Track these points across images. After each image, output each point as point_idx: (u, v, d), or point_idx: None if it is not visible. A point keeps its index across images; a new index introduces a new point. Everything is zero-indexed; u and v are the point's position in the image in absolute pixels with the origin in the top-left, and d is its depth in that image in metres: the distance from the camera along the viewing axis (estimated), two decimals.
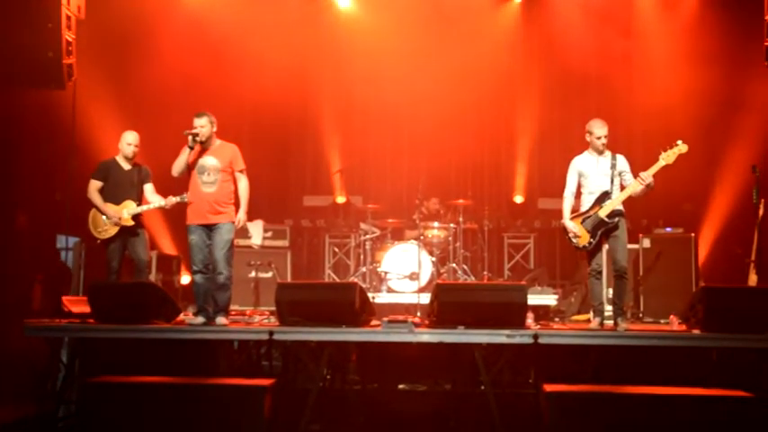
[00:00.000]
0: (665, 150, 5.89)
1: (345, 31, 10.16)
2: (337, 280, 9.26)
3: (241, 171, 6.24)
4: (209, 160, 6.13)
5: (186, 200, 6.20)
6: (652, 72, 9.53)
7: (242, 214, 6.19)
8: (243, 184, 6.23)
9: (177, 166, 6.11)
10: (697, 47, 9.11)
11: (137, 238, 6.64)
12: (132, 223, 6.60)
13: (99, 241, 6.61)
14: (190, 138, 6.05)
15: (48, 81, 7.03)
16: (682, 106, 8.99)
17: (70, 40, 7.18)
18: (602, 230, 6.01)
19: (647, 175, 5.85)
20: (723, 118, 8.91)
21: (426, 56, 9.72)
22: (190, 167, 6.12)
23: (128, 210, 6.60)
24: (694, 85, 9.00)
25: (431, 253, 8.52)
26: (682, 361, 5.71)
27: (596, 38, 9.55)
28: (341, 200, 10.05)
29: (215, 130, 6.20)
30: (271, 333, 5.63)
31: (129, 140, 6.67)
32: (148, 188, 6.74)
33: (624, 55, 9.68)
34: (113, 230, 6.57)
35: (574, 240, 6.12)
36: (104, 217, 6.58)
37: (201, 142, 6.09)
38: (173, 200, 6.40)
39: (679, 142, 5.90)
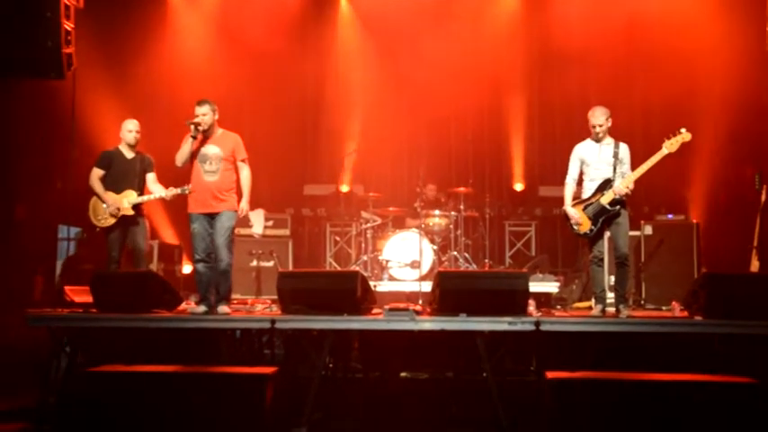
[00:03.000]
0: (669, 138, 5.84)
1: (345, 20, 10.10)
2: (338, 268, 9.22)
3: (243, 160, 6.21)
4: (211, 149, 6.10)
5: (187, 192, 6.17)
6: (653, 58, 9.44)
7: (244, 203, 6.17)
8: (245, 174, 6.21)
9: (180, 157, 6.08)
10: (700, 30, 9.01)
11: (137, 228, 6.62)
12: (132, 213, 6.56)
13: (98, 229, 6.59)
14: (192, 127, 6.01)
15: (47, 71, 6.95)
16: (683, 90, 8.89)
17: (69, 29, 7.12)
18: (604, 218, 5.98)
19: (623, 186, 5.85)
20: (726, 103, 8.78)
21: (426, 42, 9.64)
22: (192, 156, 6.09)
23: (128, 199, 6.57)
24: (696, 68, 8.93)
25: (432, 241, 8.49)
26: (684, 348, 5.67)
27: (598, 23, 9.45)
28: (345, 189, 10.00)
29: (217, 117, 6.16)
30: (272, 322, 5.62)
31: (130, 127, 6.65)
32: (150, 177, 6.72)
33: (626, 41, 9.58)
34: (113, 219, 6.55)
35: (575, 227, 6.10)
36: (104, 205, 6.56)
37: (204, 131, 6.04)
38: (174, 191, 6.36)
39: (683, 130, 5.85)
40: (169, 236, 9.09)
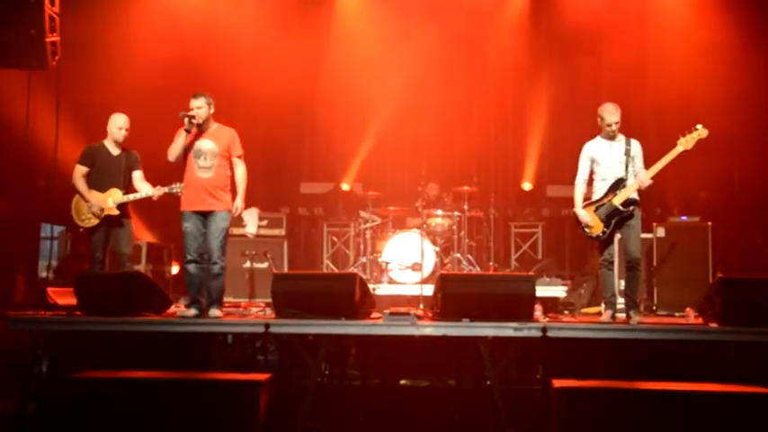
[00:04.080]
0: (684, 135, 5.74)
1: (345, 13, 9.95)
2: (336, 271, 9.11)
3: (239, 157, 6.10)
4: (206, 144, 5.98)
5: (175, 191, 6.06)
6: (667, 53, 9.33)
7: (239, 201, 6.05)
8: (240, 170, 6.09)
9: (173, 151, 5.94)
10: (717, 25, 8.88)
11: (121, 229, 6.44)
12: (117, 212, 6.39)
13: (82, 230, 6.43)
14: (186, 120, 5.87)
15: (30, 60, 6.76)
16: (699, 86, 8.75)
17: (54, 15, 6.91)
18: (616, 219, 5.86)
19: (647, 178, 5.73)
20: (744, 100, 8.66)
21: (430, 35, 9.54)
22: (185, 151, 5.96)
23: (113, 198, 6.40)
24: (713, 64, 8.79)
25: (434, 242, 8.37)
26: (698, 356, 5.58)
27: (609, 17, 9.38)
28: (346, 187, 9.79)
29: (212, 111, 6.04)
30: (266, 326, 5.51)
31: (120, 124, 6.46)
32: (137, 175, 6.54)
33: (639, 34, 9.51)
34: (96, 219, 6.35)
35: (586, 230, 5.99)
36: (87, 204, 6.38)
37: (198, 125, 5.92)
38: (162, 190, 6.23)
39: (699, 127, 5.76)
40: (158, 235, 8.90)
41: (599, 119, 5.92)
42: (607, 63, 9.42)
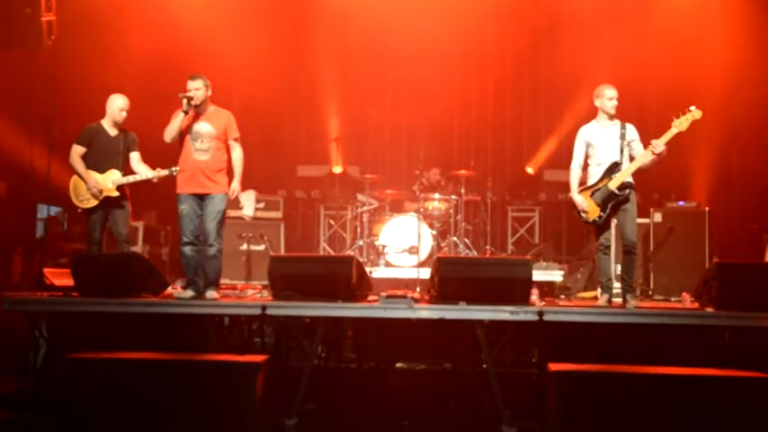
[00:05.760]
0: (678, 117, 5.71)
1: None
2: (333, 253, 9.08)
3: (235, 139, 6.07)
4: (203, 126, 5.95)
5: (175, 173, 6.02)
6: (667, 38, 9.26)
7: (236, 184, 6.03)
8: (237, 153, 6.06)
9: (170, 132, 5.90)
10: (717, 11, 8.86)
11: (119, 211, 6.38)
12: (117, 194, 6.34)
13: (80, 210, 6.37)
14: (184, 101, 5.83)
15: (25, 39, 6.70)
16: (698, 72, 8.74)
17: None
18: (612, 203, 5.84)
19: (659, 144, 5.66)
20: (743, 85, 8.63)
21: (427, 19, 9.48)
22: (182, 133, 5.92)
23: (113, 179, 6.34)
24: (713, 49, 8.78)
25: (431, 226, 8.35)
26: (693, 340, 5.57)
27: (609, 1, 9.27)
28: (338, 170, 9.76)
29: (210, 94, 6.00)
30: (263, 308, 5.50)
31: (122, 106, 6.38)
32: (134, 156, 6.48)
33: (639, 19, 9.42)
34: (96, 200, 6.30)
35: (583, 215, 5.97)
36: (87, 185, 6.32)
37: (195, 107, 5.89)
38: (162, 172, 6.19)
39: (692, 108, 5.72)
40: (154, 217, 8.85)
41: (597, 99, 5.91)
42: (606, 48, 9.34)
